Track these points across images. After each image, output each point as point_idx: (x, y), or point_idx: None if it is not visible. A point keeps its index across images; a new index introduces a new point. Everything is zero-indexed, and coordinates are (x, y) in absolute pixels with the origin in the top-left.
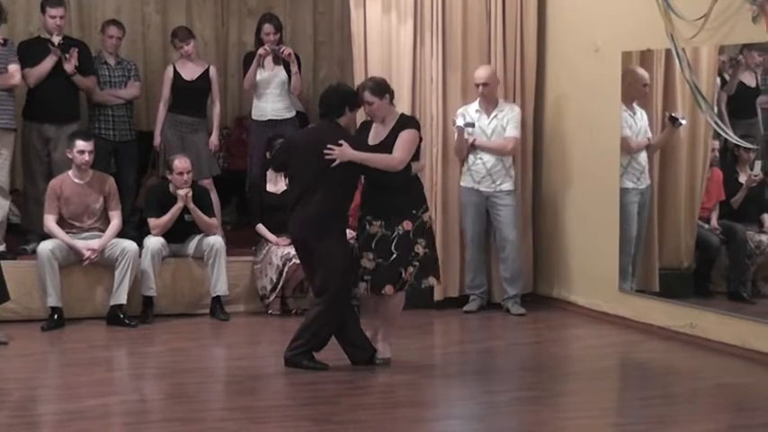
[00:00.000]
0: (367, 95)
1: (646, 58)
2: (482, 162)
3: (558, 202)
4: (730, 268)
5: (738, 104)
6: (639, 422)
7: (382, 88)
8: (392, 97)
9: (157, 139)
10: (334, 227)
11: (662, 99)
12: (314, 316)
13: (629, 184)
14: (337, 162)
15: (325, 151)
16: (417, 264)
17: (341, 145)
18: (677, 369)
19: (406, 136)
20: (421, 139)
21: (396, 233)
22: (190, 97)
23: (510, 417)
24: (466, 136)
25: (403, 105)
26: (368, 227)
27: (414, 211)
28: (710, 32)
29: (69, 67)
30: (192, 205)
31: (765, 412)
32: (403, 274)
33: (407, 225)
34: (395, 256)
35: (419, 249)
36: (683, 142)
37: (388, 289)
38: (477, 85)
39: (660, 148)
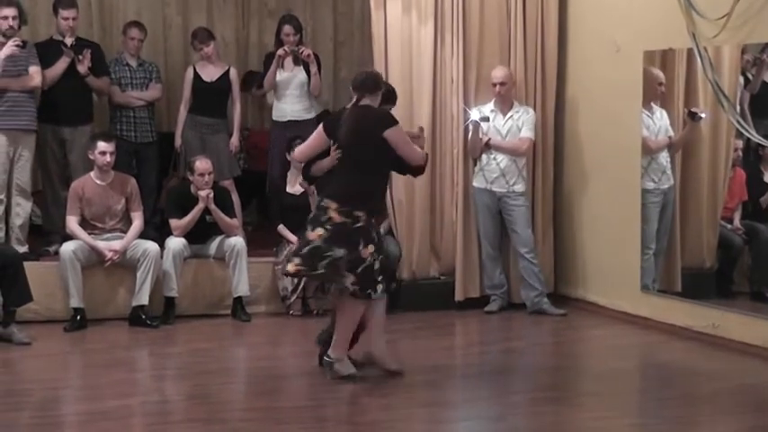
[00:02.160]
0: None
1: (667, 57)
2: (496, 162)
3: (579, 203)
4: (753, 268)
5: (762, 104)
6: (660, 422)
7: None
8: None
9: (178, 141)
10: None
11: (684, 99)
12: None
13: (650, 185)
14: None
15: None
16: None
17: None
18: (699, 370)
19: (400, 134)
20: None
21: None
22: (210, 98)
23: (530, 417)
24: (481, 135)
25: (423, 106)
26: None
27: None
28: (733, 32)
29: (82, 68)
30: (213, 206)
31: None
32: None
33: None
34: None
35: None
36: (705, 142)
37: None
38: (494, 85)
39: (682, 145)
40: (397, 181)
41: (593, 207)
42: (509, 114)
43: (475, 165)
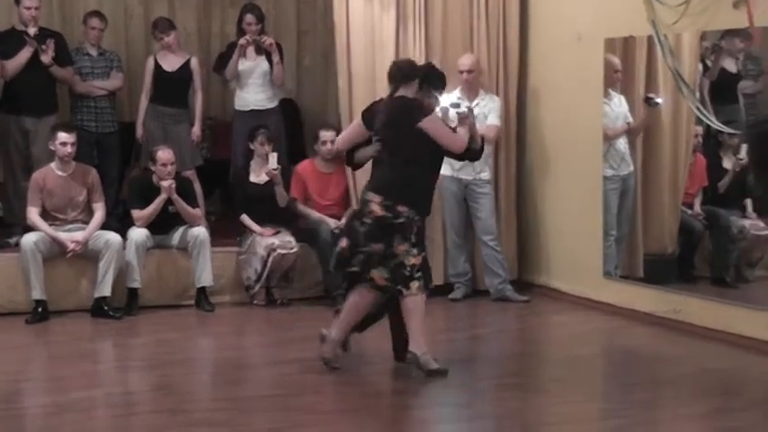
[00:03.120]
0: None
1: (628, 44)
2: None
3: (542, 190)
4: (714, 254)
5: (721, 90)
6: (624, 407)
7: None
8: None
9: (140, 131)
10: None
11: (645, 85)
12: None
13: (609, 171)
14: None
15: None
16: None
17: None
18: (662, 354)
19: (437, 122)
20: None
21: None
22: (171, 88)
23: (496, 403)
24: (448, 123)
25: (387, 94)
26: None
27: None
28: (692, 19)
29: (46, 58)
30: (175, 196)
31: (749, 395)
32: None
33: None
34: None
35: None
36: (666, 128)
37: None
38: (461, 72)
39: (641, 131)
40: (362, 169)
41: (556, 194)
42: (475, 102)
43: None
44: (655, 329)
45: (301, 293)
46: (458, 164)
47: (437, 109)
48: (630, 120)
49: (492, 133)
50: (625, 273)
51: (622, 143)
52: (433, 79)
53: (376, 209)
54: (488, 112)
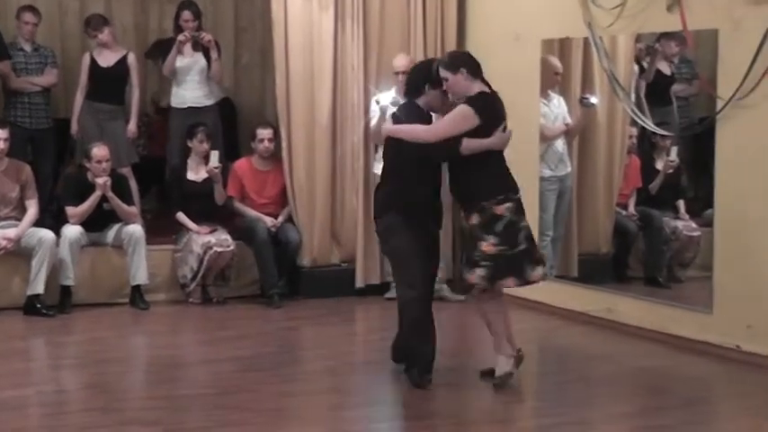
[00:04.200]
0: (441, 71)
1: (565, 46)
2: None
3: None
4: (647, 254)
5: (655, 92)
6: (557, 405)
7: (455, 61)
8: (472, 71)
9: (74, 127)
10: (386, 208)
11: (581, 87)
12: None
13: (547, 172)
14: (383, 139)
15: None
16: (488, 263)
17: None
18: (595, 353)
19: (452, 111)
20: (486, 120)
21: (465, 228)
22: (107, 85)
23: (431, 401)
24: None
25: (324, 92)
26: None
27: (483, 203)
28: (627, 21)
29: None
30: (110, 194)
31: (679, 394)
32: (467, 277)
33: (473, 219)
34: (463, 256)
35: (487, 247)
36: (601, 129)
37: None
38: (397, 73)
39: (578, 132)
40: (298, 167)
41: None
42: None
43: (376, 152)
44: (589, 329)
45: (238, 292)
46: None
47: (377, 108)
48: (569, 121)
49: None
50: (560, 272)
51: (560, 144)
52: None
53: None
54: None
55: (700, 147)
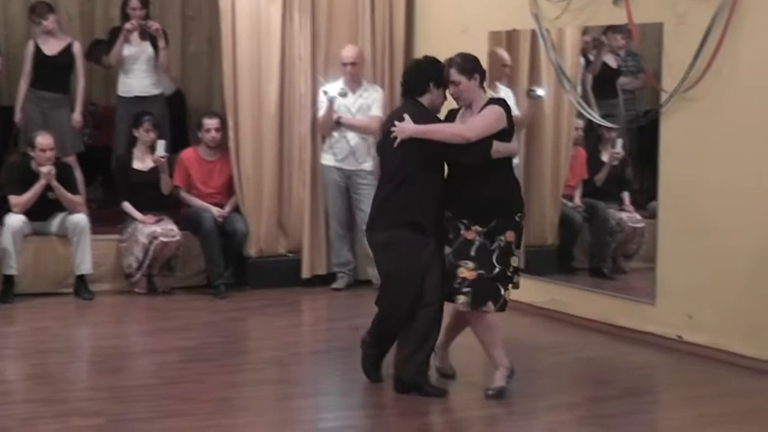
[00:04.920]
0: (453, 74)
1: (512, 38)
2: (346, 140)
3: None
4: (592, 245)
5: (601, 85)
6: (503, 396)
7: (470, 65)
8: (483, 78)
9: (18, 115)
10: (391, 223)
11: (528, 79)
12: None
13: None
14: (398, 141)
15: (392, 129)
16: (512, 277)
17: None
18: (540, 344)
19: (485, 111)
20: (510, 124)
21: (497, 244)
22: (52, 73)
23: (376, 393)
24: (334, 108)
25: (272, 83)
26: (462, 230)
27: (516, 218)
28: (574, 14)
29: None
30: (54, 183)
31: (621, 384)
32: (503, 292)
33: (510, 236)
34: (497, 270)
35: (516, 263)
36: (548, 121)
37: (489, 306)
38: (345, 65)
39: (526, 124)
40: (245, 157)
41: None
42: (358, 93)
43: (323, 142)
44: (534, 319)
45: (183, 282)
46: (341, 154)
47: (325, 98)
48: (517, 113)
49: (376, 124)
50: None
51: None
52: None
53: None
54: (371, 103)
55: (645, 139)
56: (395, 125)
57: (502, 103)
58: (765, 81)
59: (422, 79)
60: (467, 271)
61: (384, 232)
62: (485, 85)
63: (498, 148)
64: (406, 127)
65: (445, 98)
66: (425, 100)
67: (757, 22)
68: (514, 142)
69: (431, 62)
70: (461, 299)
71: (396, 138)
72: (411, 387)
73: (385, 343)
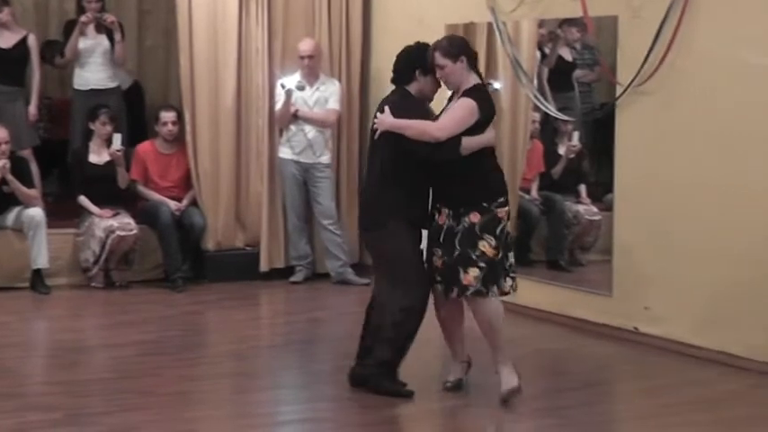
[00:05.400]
0: (438, 58)
1: (469, 31)
2: (303, 133)
3: None
4: (549, 238)
5: (557, 78)
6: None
7: (456, 49)
8: (472, 60)
9: None
10: (387, 218)
11: (485, 72)
12: (378, 324)
13: None
14: (378, 134)
15: (374, 120)
16: (484, 265)
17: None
18: None
19: (456, 106)
20: (488, 113)
21: (461, 226)
22: (6, 66)
23: (334, 385)
24: (292, 101)
25: (229, 75)
26: (436, 216)
27: (484, 203)
28: (530, 7)
29: None
30: (9, 177)
31: (578, 375)
32: (462, 277)
33: (474, 217)
34: (457, 253)
35: (486, 248)
36: (504, 114)
37: (455, 292)
38: (302, 58)
39: None
40: (203, 150)
41: None
42: (315, 86)
43: (281, 135)
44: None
45: (141, 276)
46: (298, 147)
47: (282, 91)
48: None
49: (333, 117)
50: None
51: None
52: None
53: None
54: (329, 96)
55: (601, 132)
56: (376, 117)
57: (475, 94)
58: (719, 74)
59: (408, 67)
60: (438, 259)
61: (375, 232)
62: (478, 67)
63: (469, 144)
64: (384, 120)
65: (438, 85)
66: (413, 88)
67: (711, 16)
68: (490, 131)
69: (418, 48)
70: (438, 288)
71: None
72: (367, 382)
73: (406, 346)
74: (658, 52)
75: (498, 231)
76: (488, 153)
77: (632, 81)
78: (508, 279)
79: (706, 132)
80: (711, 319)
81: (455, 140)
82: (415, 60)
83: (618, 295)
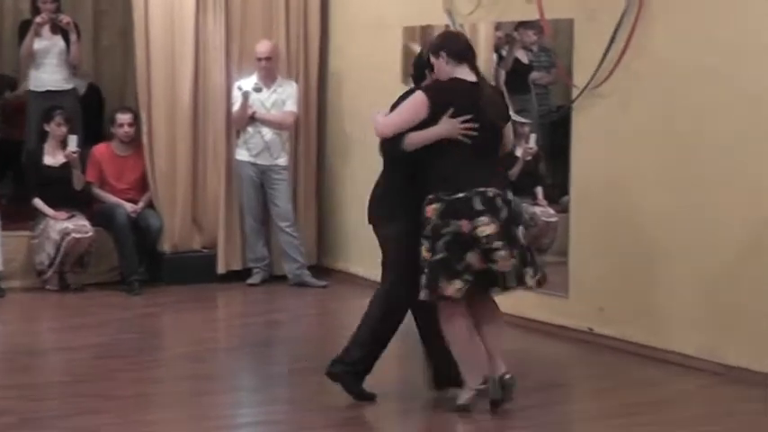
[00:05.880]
0: (430, 56)
1: (426, 33)
2: (261, 135)
3: (341, 176)
4: None
5: (514, 80)
6: (414, 389)
7: (436, 44)
8: (452, 54)
9: None
10: (389, 209)
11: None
12: (363, 318)
13: None
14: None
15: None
16: (426, 269)
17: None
18: None
19: (405, 102)
20: (436, 109)
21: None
22: None
23: (290, 387)
24: (249, 103)
25: (185, 76)
26: None
27: (424, 203)
28: (487, 9)
29: None
30: None
31: (534, 376)
32: (442, 287)
33: (428, 211)
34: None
35: (424, 251)
36: None
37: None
38: (260, 60)
39: None
40: (159, 152)
41: (355, 180)
42: (273, 88)
43: (238, 137)
44: None
45: (96, 279)
46: (255, 149)
47: (239, 93)
48: None
49: (290, 119)
50: None
51: None
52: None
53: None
54: (286, 98)
55: (558, 134)
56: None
57: (434, 85)
58: (674, 77)
59: (420, 68)
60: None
61: (386, 227)
62: (471, 62)
63: (413, 139)
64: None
65: None
66: None
67: (665, 19)
68: (446, 123)
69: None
70: None
71: None
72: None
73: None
74: (614, 55)
75: (429, 231)
76: (449, 149)
77: (588, 83)
78: (456, 281)
79: (661, 134)
80: (664, 319)
81: (398, 136)
82: (425, 61)
83: (573, 296)
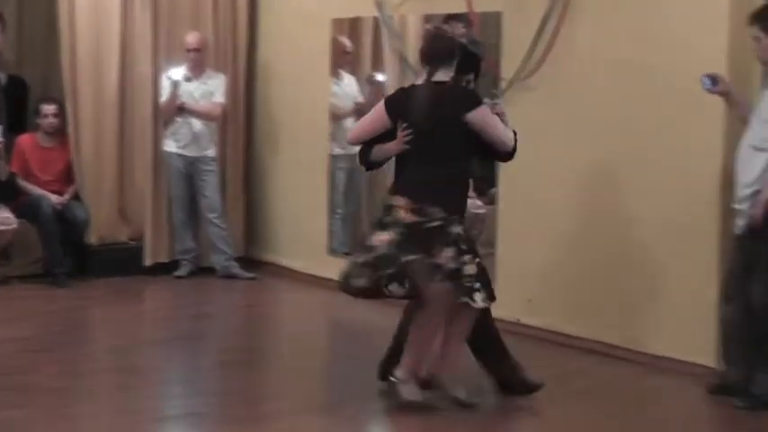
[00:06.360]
0: None
1: (355, 25)
2: (189, 126)
3: (271, 168)
4: None
5: None
6: (343, 381)
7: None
8: (423, 59)
9: None
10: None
11: (371, 66)
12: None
13: (338, 150)
14: None
15: None
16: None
17: None
18: (383, 327)
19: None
20: (392, 111)
21: None
22: None
23: (217, 381)
24: (178, 93)
25: (112, 66)
26: None
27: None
28: (416, 1)
29: None
30: None
31: (464, 368)
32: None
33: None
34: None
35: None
36: None
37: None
38: (188, 51)
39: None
40: (85, 143)
41: (284, 172)
42: (201, 79)
43: (166, 128)
44: (374, 304)
45: (20, 271)
46: (183, 140)
47: (167, 83)
48: (360, 99)
49: (217, 110)
50: (350, 250)
51: (351, 122)
52: (471, 61)
53: (404, 215)
54: (214, 89)
55: None
56: None
57: (395, 91)
58: (600, 69)
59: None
60: None
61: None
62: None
63: (377, 155)
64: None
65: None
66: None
67: (592, 11)
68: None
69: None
70: None
71: None
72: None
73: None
74: (541, 47)
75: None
76: (408, 155)
77: (516, 76)
78: (393, 284)
79: (585, 127)
80: (588, 309)
81: (363, 147)
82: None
83: (501, 287)
